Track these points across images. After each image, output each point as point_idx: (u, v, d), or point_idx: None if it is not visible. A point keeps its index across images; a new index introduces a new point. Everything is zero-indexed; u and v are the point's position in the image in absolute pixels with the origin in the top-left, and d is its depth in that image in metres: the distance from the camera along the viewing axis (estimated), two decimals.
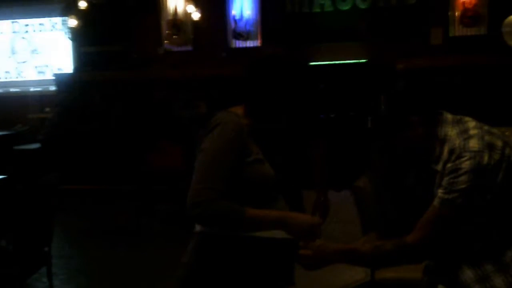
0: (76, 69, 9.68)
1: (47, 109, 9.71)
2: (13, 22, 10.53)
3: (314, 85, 9.02)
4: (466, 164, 2.11)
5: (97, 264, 5.75)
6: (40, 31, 10.43)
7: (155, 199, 7.26)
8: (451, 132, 2.22)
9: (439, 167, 2.21)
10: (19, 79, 10.51)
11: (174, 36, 9.29)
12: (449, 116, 2.27)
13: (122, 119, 8.65)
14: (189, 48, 9.44)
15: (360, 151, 3.95)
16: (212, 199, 2.06)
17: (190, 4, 9.28)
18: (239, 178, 2.15)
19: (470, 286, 2.19)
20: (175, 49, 9.40)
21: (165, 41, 9.36)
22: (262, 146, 2.25)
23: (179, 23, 9.31)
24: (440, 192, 2.17)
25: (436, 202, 2.18)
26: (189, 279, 2.25)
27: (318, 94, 9.26)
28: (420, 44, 8.62)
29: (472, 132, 2.18)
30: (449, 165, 2.16)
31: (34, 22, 10.43)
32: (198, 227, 2.26)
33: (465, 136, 2.17)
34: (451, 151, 2.17)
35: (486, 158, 2.11)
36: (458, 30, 8.68)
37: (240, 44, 9.30)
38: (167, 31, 9.33)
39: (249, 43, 9.25)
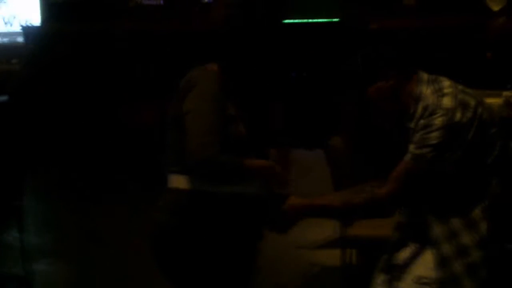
0: (45, 20, 9.46)
1: (14, 61, 9.51)
2: None
3: (287, 43, 9.00)
4: (438, 121, 2.17)
5: (67, 219, 5.73)
6: None
7: (129, 157, 7.21)
8: (426, 90, 2.25)
9: (413, 124, 2.25)
10: None
11: None
12: (424, 75, 2.31)
13: (93, 72, 8.52)
14: (160, 1, 9.28)
15: (333, 110, 3.98)
16: (217, 153, 2.11)
17: None
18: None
19: (438, 242, 2.24)
20: (146, 2, 9.25)
21: None
22: (235, 103, 2.26)
23: None
24: (411, 147, 2.22)
25: (407, 157, 2.23)
26: (162, 235, 2.27)
27: (290, 53, 9.23)
28: (393, 4, 8.60)
29: (446, 90, 2.23)
30: (422, 121, 2.21)
31: None
32: (170, 183, 2.28)
33: (439, 94, 2.22)
34: (425, 108, 2.21)
35: (458, 115, 2.18)
36: None
37: None
38: None
39: None
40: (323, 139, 3.60)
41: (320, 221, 4.98)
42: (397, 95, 2.26)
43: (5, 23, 10.19)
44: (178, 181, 2.25)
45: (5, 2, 10.20)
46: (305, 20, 9.09)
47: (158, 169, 2.46)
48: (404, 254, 2.37)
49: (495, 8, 5.61)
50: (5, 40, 10.12)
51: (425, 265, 2.26)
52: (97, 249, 4.89)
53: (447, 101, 2.20)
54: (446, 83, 2.28)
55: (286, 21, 8.94)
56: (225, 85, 2.22)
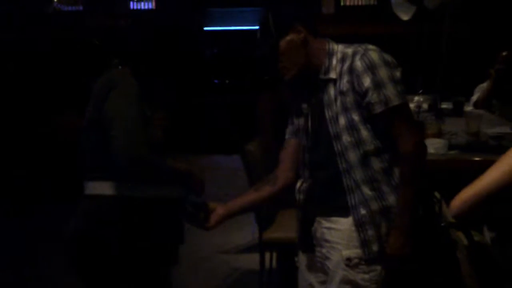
0: None
1: None
2: None
3: (207, 50, 9.03)
4: (374, 55, 2.15)
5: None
6: None
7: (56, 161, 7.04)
8: (337, 47, 2.26)
9: (332, 74, 2.22)
10: None
11: None
12: (332, 41, 2.32)
13: (14, 81, 8.30)
14: (79, 7, 9.15)
15: (250, 115, 4.03)
16: (146, 153, 2.10)
17: None
18: None
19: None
20: (65, 8, 9.09)
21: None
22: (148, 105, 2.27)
23: None
24: (374, 96, 2.13)
25: (382, 108, 2.13)
26: (79, 242, 2.25)
27: (211, 60, 9.28)
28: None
29: (366, 44, 2.22)
30: (346, 65, 2.19)
31: None
32: (89, 190, 2.25)
33: (358, 44, 2.22)
34: (343, 57, 2.21)
35: (387, 56, 2.19)
36: (349, 0, 8.94)
37: (135, 5, 9.14)
38: None
39: (144, 5, 9.12)
40: (241, 144, 3.64)
41: (242, 226, 5.06)
42: (307, 48, 2.23)
43: None
44: (100, 187, 2.23)
45: None
46: (226, 28, 9.17)
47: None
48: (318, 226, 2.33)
49: (405, 18, 5.83)
50: None
51: (350, 244, 2.23)
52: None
53: (372, 46, 2.20)
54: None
55: (209, 28, 9.01)
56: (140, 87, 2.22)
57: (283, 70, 2.26)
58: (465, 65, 7.73)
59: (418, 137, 2.21)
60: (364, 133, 2.18)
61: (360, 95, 2.16)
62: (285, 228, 3.42)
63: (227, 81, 9.38)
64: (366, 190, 2.19)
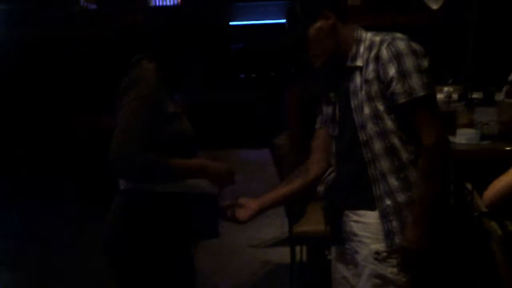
0: None
1: None
2: None
3: (232, 45, 9.04)
4: (401, 44, 2.11)
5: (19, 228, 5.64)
6: None
7: (79, 160, 7.14)
8: (366, 34, 2.23)
9: (359, 62, 2.19)
10: None
11: None
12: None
13: (37, 81, 8.39)
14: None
15: (278, 109, 4.03)
16: (136, 152, 2.06)
17: None
18: (160, 133, 2.16)
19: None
20: (91, 7, 9.16)
21: None
22: (176, 100, 2.28)
23: None
24: (398, 86, 2.09)
25: (405, 98, 2.09)
26: (114, 237, 2.27)
27: (238, 54, 9.28)
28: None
29: (394, 33, 2.18)
30: (373, 53, 2.15)
31: None
32: (122, 185, 2.27)
33: (386, 33, 2.18)
34: (371, 45, 2.17)
35: (415, 45, 2.13)
36: None
37: (159, 2, 9.16)
38: None
39: (169, 1, 9.14)
40: (269, 138, 3.63)
41: (272, 220, 5.06)
42: (336, 35, 2.20)
43: None
44: (132, 183, 2.25)
45: None
46: (253, 22, 9.16)
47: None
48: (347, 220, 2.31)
49: (434, 7, 5.75)
50: None
51: (377, 237, 2.21)
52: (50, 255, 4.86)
53: (400, 35, 2.16)
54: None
55: (233, 23, 9.01)
56: (164, 83, 2.22)
57: (312, 58, 2.23)
58: (497, 54, 7.62)
59: (441, 130, 2.14)
60: (389, 123, 2.14)
61: (385, 84, 2.12)
62: (315, 221, 3.40)
63: (253, 76, 9.37)
64: (392, 181, 2.15)
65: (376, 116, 2.15)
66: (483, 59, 5.97)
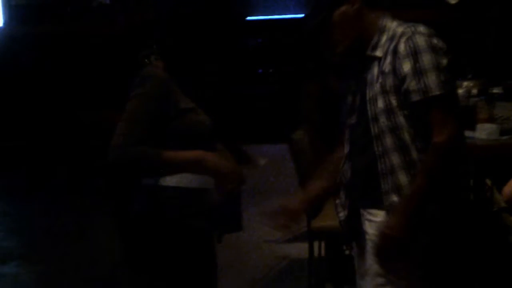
0: (6, 22, 9.33)
1: None
2: None
3: (251, 40, 9.03)
4: (421, 40, 2.06)
5: (34, 222, 5.69)
6: None
7: (92, 156, 7.17)
8: (391, 23, 2.17)
9: (378, 52, 2.14)
10: None
11: None
12: (389, 14, 2.21)
13: (55, 75, 8.43)
14: None
15: (296, 105, 4.02)
16: (127, 144, 2.09)
17: None
18: (171, 128, 2.17)
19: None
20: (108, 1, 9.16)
21: None
22: (193, 97, 2.27)
23: None
24: (413, 83, 2.06)
25: (419, 97, 2.05)
26: (137, 232, 2.27)
27: (255, 49, 9.26)
28: None
29: (417, 25, 2.12)
30: (392, 45, 2.10)
31: None
32: (146, 181, 2.27)
33: (411, 24, 2.12)
34: (393, 36, 2.12)
35: (437, 41, 2.09)
36: None
37: None
38: None
39: None
40: (287, 133, 3.63)
41: None
42: (360, 21, 2.15)
43: None
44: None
45: None
46: (270, 17, 9.12)
47: None
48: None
49: (452, 1, 5.70)
50: None
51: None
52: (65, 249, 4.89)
53: (423, 28, 2.10)
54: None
55: (252, 17, 8.99)
56: (173, 79, 2.23)
57: (335, 43, 2.18)
58: None
59: (455, 131, 2.08)
60: (401, 119, 2.10)
61: (399, 79, 2.08)
62: (334, 216, 3.39)
63: (271, 71, 9.35)
64: (402, 177, 2.11)
65: (389, 110, 2.11)
66: (503, 54, 5.91)
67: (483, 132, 3.12)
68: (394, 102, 2.10)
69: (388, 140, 2.12)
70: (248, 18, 9.00)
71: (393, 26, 2.15)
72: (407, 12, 2.17)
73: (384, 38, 2.14)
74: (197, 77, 2.33)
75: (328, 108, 2.50)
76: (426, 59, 2.04)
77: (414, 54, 2.05)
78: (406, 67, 2.06)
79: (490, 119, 3.43)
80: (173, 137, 2.18)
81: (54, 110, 8.18)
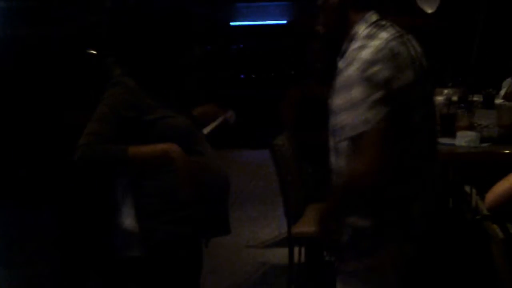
0: None
1: None
2: None
3: (232, 45, 9.05)
4: (353, 70, 1.85)
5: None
6: None
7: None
8: (361, 32, 1.96)
9: (341, 63, 1.96)
10: None
11: None
12: (374, 17, 1.99)
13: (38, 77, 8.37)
14: None
15: (276, 109, 4.02)
16: (91, 143, 2.12)
17: None
18: (149, 134, 2.19)
19: None
20: None
21: None
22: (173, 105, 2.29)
23: None
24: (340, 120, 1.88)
25: (345, 135, 1.87)
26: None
27: (237, 55, 9.29)
28: None
29: (375, 42, 1.89)
30: (340, 65, 1.95)
31: None
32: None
33: (365, 43, 1.90)
34: (359, 47, 1.91)
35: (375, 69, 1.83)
36: None
37: None
38: None
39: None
40: (268, 139, 3.63)
41: (269, 222, 5.07)
42: (340, 16, 1.99)
43: None
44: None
45: None
46: (253, 23, 9.15)
47: None
48: None
49: (429, 10, 5.74)
50: None
51: None
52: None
53: (365, 53, 1.86)
54: (386, 32, 1.92)
55: (235, 23, 9.00)
56: (145, 92, 2.23)
57: (318, 27, 2.07)
58: (495, 58, 7.62)
59: (372, 168, 1.83)
60: (342, 144, 1.94)
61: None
62: (314, 222, 3.40)
63: (253, 76, 9.38)
64: (334, 178, 2.02)
65: (332, 132, 1.98)
66: (484, 62, 5.96)
67: (463, 139, 3.14)
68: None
69: (331, 140, 2.02)
70: (232, 23, 9.02)
71: (362, 35, 1.95)
72: (393, 19, 2.06)
73: (351, 48, 1.95)
74: (168, 83, 2.33)
75: (308, 113, 2.49)
76: (356, 92, 1.84)
77: (346, 86, 1.87)
78: (336, 101, 1.92)
79: (470, 127, 3.45)
80: (152, 141, 2.19)
81: (38, 111, 8.11)
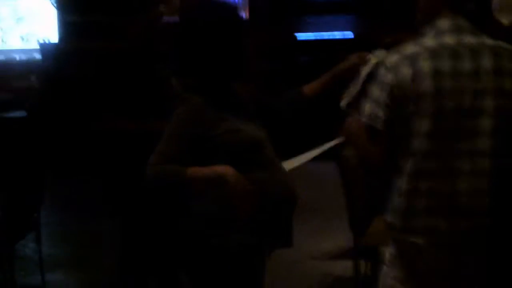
0: (62, 38, 9.58)
1: (33, 78, 9.61)
2: None
3: (297, 58, 9.05)
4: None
5: (86, 232, 5.78)
6: None
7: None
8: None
9: None
10: (3, 47, 10.37)
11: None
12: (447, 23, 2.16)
13: (108, 90, 8.57)
14: (176, 18, 9.32)
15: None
16: (158, 163, 2.20)
17: None
18: (215, 150, 2.25)
19: None
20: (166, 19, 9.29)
21: None
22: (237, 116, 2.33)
23: None
24: None
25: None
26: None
27: (301, 68, 9.28)
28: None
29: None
30: None
31: None
32: None
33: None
34: None
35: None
36: None
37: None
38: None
39: None
40: (336, 150, 3.61)
41: (334, 232, 5.02)
42: None
43: (23, 41, 10.32)
44: None
45: (23, 20, 10.35)
46: (319, 36, 9.13)
47: None
48: None
49: (505, 21, 5.53)
50: (23, 57, 10.25)
51: None
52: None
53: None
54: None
55: (301, 35, 9.01)
56: (212, 108, 2.29)
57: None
58: None
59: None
60: None
61: None
62: (382, 234, 3.37)
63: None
64: None
65: None
66: None
67: None
68: None
69: None
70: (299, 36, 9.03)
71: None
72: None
73: None
74: (230, 92, 2.38)
75: None
76: None
77: None
78: None
79: None
80: (219, 156, 2.25)
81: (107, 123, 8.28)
